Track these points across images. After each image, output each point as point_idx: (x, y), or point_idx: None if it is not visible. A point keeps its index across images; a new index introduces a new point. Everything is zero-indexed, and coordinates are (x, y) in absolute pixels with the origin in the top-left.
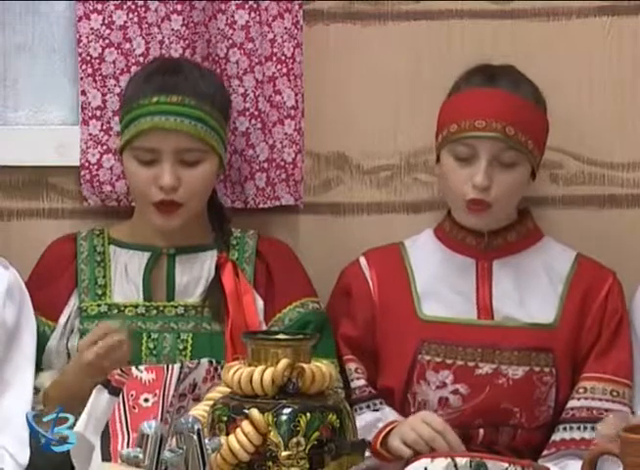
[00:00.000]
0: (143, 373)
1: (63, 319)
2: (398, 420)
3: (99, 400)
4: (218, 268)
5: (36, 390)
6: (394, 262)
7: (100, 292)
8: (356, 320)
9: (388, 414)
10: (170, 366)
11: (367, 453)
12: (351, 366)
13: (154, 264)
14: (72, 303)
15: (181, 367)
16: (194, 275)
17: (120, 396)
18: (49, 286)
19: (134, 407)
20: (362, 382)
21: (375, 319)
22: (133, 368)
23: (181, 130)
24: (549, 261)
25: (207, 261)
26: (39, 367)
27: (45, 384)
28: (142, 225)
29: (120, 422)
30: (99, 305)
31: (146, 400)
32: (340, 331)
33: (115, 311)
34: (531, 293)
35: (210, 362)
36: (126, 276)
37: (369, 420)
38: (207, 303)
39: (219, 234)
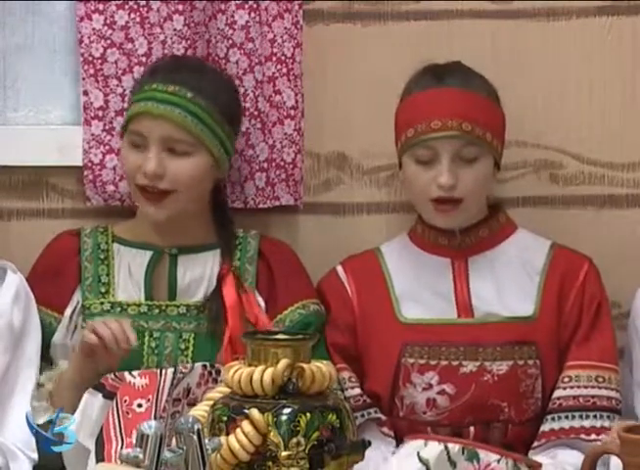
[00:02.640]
0: (136, 378)
1: (68, 311)
2: None
3: (92, 404)
4: (220, 279)
5: (40, 385)
6: (371, 268)
7: (103, 290)
8: (339, 328)
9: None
10: (164, 371)
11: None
12: (345, 375)
13: (156, 264)
14: (76, 299)
15: (174, 372)
16: (195, 275)
17: (114, 401)
18: (53, 279)
19: (128, 413)
20: (357, 391)
21: (356, 326)
22: (126, 373)
23: (169, 118)
24: (524, 254)
25: (210, 262)
26: (48, 362)
27: (50, 380)
28: (145, 224)
29: (114, 428)
30: (102, 303)
31: (139, 406)
32: (327, 340)
33: (118, 310)
34: (509, 287)
35: (204, 366)
36: (129, 275)
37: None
38: (207, 312)
39: (224, 239)
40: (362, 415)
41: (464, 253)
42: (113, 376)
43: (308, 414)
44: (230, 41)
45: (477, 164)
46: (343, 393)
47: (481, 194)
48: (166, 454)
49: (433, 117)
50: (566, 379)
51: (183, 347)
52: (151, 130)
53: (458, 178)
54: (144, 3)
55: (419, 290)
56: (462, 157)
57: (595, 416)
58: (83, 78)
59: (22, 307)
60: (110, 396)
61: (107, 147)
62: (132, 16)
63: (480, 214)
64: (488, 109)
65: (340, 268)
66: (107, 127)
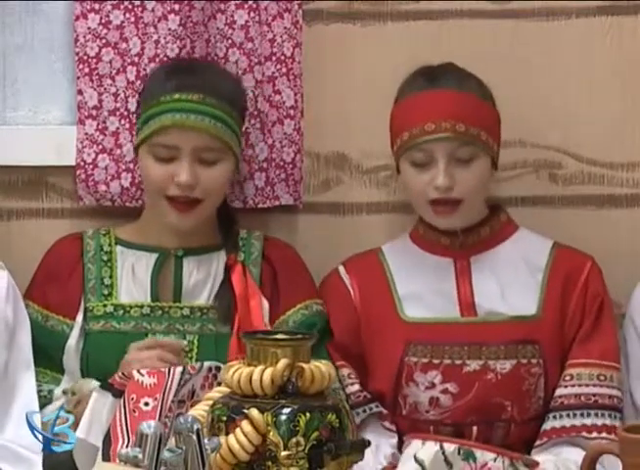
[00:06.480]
0: (144, 377)
1: (80, 317)
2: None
3: (101, 404)
4: (228, 270)
5: (66, 393)
6: (374, 268)
7: (106, 292)
8: (341, 327)
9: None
10: (172, 370)
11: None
12: (345, 372)
13: (162, 266)
14: (84, 303)
15: (182, 372)
16: (201, 277)
17: (122, 399)
18: (60, 285)
19: (134, 411)
20: (357, 387)
21: (359, 326)
22: (134, 371)
23: (201, 128)
24: (526, 253)
25: (215, 263)
26: (60, 368)
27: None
28: (150, 226)
29: (121, 425)
30: (105, 306)
31: (146, 404)
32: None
33: (121, 312)
34: (512, 286)
35: (209, 369)
36: (133, 277)
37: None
38: (217, 304)
39: (227, 236)
40: (364, 410)
41: (466, 252)
42: (121, 374)
43: (308, 414)
44: (229, 41)
45: (473, 163)
46: (344, 390)
47: (480, 194)
48: (166, 454)
49: (426, 119)
50: (567, 377)
51: (187, 349)
52: (183, 142)
53: (455, 179)
54: (139, 3)
55: (421, 290)
56: (458, 157)
57: (597, 414)
58: (78, 77)
59: (11, 303)
60: (119, 394)
61: (100, 146)
62: (127, 15)
63: (480, 214)
64: (481, 108)
65: (342, 268)
66: (100, 127)
